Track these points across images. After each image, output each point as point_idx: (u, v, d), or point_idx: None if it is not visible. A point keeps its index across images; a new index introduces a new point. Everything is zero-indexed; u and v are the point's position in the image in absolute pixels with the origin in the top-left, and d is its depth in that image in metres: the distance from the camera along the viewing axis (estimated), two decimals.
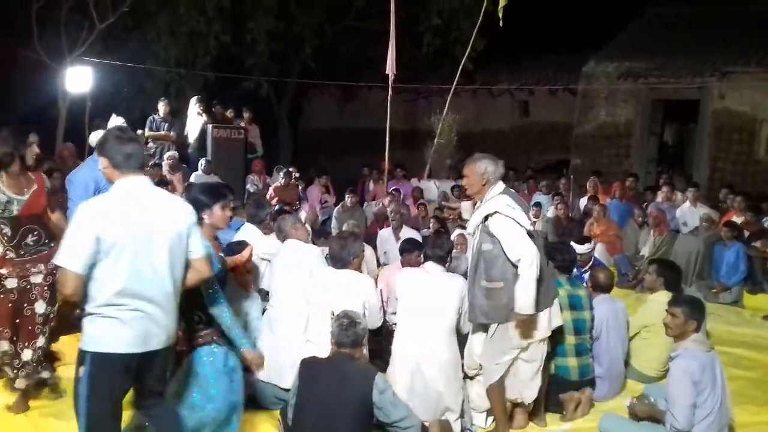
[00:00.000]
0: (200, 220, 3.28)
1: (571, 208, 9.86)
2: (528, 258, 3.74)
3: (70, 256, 2.72)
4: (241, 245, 4.83)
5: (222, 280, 3.60)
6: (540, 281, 3.82)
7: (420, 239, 6.09)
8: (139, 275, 2.82)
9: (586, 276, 5.46)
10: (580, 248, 5.90)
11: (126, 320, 2.81)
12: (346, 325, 3.48)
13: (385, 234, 8.19)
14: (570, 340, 4.45)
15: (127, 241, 2.79)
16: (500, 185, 3.99)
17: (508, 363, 3.99)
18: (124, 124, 5.85)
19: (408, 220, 8.79)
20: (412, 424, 3.40)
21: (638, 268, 8.25)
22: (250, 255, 4.74)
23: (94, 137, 5.42)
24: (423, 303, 4.08)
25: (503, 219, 3.82)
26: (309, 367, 3.52)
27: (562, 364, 4.43)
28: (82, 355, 2.84)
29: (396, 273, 4.80)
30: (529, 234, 3.82)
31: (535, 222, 3.95)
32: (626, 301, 5.67)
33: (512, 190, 4.10)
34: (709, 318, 4.84)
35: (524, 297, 3.74)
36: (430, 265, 4.27)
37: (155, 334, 2.89)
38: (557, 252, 4.66)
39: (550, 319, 4.00)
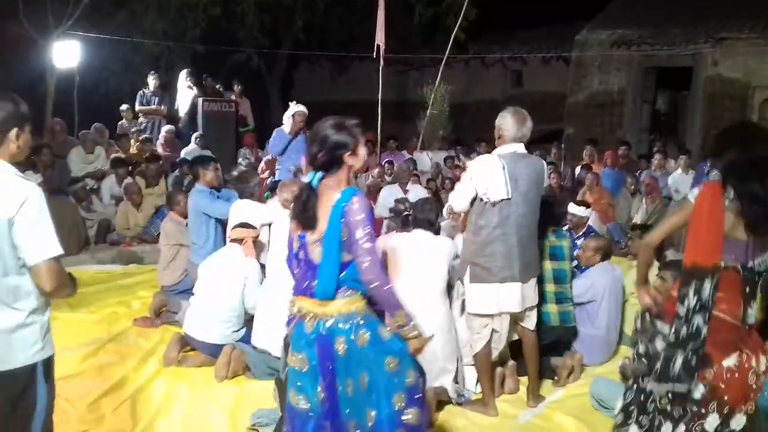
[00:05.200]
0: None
1: (563, 177, 9.87)
2: (451, 204, 4.07)
3: None
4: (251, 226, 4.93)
5: None
6: (504, 251, 3.83)
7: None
8: None
9: (580, 242, 5.50)
10: (579, 210, 5.96)
11: None
12: None
13: (390, 189, 8.35)
14: (550, 287, 4.50)
15: None
16: (511, 146, 3.85)
17: (488, 333, 4.01)
18: None
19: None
20: None
21: (631, 236, 8.28)
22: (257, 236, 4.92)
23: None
24: (413, 267, 4.09)
25: (465, 176, 3.98)
26: None
27: (543, 310, 4.46)
28: None
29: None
30: (495, 204, 3.78)
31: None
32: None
33: (520, 155, 3.86)
34: None
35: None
36: (419, 230, 4.29)
37: None
38: (547, 206, 4.55)
39: (522, 298, 3.93)
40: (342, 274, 2.58)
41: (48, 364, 2.48)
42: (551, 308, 4.54)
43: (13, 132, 2.41)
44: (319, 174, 2.59)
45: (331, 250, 2.53)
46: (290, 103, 7.62)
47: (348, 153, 2.58)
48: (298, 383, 2.65)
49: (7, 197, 2.32)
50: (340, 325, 2.57)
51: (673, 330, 2.67)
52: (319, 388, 2.60)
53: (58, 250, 2.37)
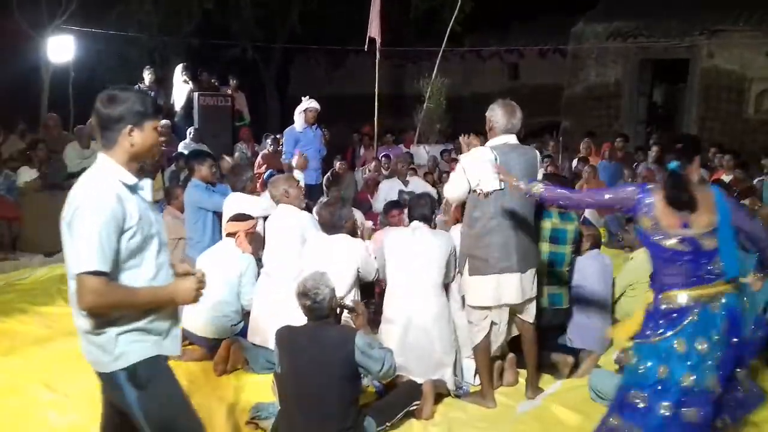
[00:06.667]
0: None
1: (560, 169, 9.87)
2: (446, 194, 4.10)
3: None
4: (246, 217, 4.91)
5: None
6: (501, 242, 3.82)
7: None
8: None
9: None
10: None
11: None
12: (309, 306, 3.35)
13: (391, 183, 8.27)
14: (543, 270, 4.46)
15: None
16: (503, 138, 3.88)
17: (488, 325, 4.01)
18: None
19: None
20: (390, 364, 3.38)
21: (627, 228, 8.28)
22: (254, 225, 4.91)
23: None
24: (410, 261, 4.10)
25: (458, 166, 4.01)
26: (286, 336, 3.43)
27: None
28: None
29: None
30: (488, 195, 3.78)
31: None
32: (616, 261, 5.69)
33: (512, 145, 3.88)
34: None
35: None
36: (416, 224, 4.30)
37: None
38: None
39: (521, 290, 3.92)
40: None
41: (133, 372, 2.39)
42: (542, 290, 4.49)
43: (127, 129, 2.35)
44: (677, 163, 2.96)
45: (730, 238, 2.95)
46: (303, 98, 7.61)
47: (698, 157, 3.06)
48: (688, 363, 2.89)
49: (71, 200, 2.30)
50: (737, 294, 2.99)
51: None
52: (715, 359, 2.89)
53: (91, 266, 2.21)
